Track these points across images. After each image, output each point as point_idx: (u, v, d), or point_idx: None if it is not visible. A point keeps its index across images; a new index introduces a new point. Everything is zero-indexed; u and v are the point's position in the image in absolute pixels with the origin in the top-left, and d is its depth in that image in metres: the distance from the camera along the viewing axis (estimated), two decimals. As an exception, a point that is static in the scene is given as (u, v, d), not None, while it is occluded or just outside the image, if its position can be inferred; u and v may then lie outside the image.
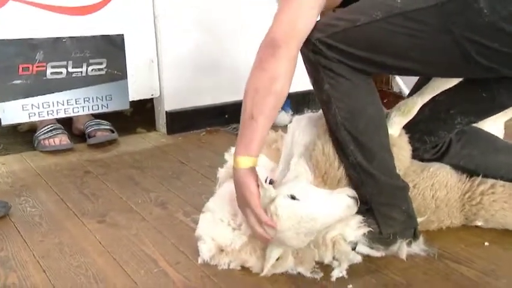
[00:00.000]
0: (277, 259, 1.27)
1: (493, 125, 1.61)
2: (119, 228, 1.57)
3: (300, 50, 1.26)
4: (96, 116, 2.41)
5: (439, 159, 1.49)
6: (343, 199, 1.25)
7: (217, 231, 1.31)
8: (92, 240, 1.50)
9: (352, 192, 1.27)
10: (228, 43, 2.49)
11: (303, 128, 1.45)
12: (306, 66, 1.31)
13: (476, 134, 1.53)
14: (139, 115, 2.68)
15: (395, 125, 1.40)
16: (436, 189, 1.42)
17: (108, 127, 2.39)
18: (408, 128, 1.42)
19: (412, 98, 1.44)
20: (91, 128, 2.36)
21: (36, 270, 1.35)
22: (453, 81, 1.39)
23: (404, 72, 1.44)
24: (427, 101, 1.40)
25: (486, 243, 1.40)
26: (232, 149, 1.37)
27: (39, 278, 1.31)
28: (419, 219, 1.38)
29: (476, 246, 1.39)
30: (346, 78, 1.26)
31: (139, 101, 2.46)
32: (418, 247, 1.35)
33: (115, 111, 2.39)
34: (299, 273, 1.29)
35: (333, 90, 1.27)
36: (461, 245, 1.39)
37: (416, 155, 1.47)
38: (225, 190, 1.43)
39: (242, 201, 1.26)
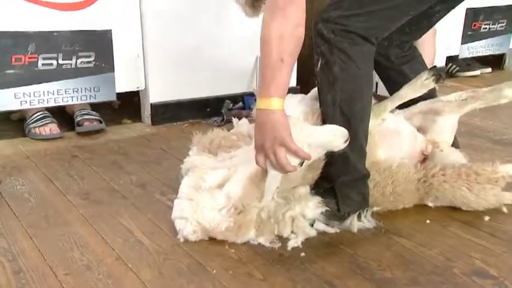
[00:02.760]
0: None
1: (448, 119, 1.76)
2: (101, 204, 1.72)
3: (319, 32, 1.41)
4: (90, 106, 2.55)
5: (403, 64, 1.77)
6: (334, 128, 1.40)
7: (204, 215, 1.43)
8: (75, 214, 1.65)
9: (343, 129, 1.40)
10: (211, 40, 2.64)
11: (295, 105, 1.60)
12: (319, 48, 1.44)
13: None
14: (127, 107, 2.82)
15: None
16: (395, 185, 1.58)
17: (96, 117, 2.52)
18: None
19: (383, 102, 1.64)
20: (80, 117, 2.50)
21: (23, 237, 1.50)
22: (418, 93, 1.63)
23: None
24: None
25: (427, 221, 1.57)
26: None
27: (26, 244, 1.46)
28: (375, 209, 1.55)
29: (418, 223, 1.56)
30: (356, 64, 1.43)
31: (128, 94, 2.61)
32: (367, 220, 1.52)
33: (104, 103, 2.54)
34: (259, 243, 1.45)
35: (342, 73, 1.43)
36: (407, 222, 1.56)
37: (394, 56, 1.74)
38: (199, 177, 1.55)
39: (274, 141, 1.31)
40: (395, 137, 1.63)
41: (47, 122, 2.41)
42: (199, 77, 2.67)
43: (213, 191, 1.47)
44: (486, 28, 3.74)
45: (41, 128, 2.39)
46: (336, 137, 1.37)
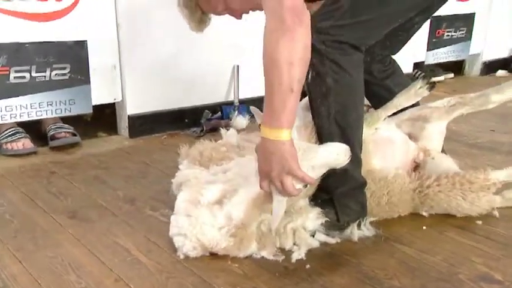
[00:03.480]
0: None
1: (437, 126, 1.79)
2: (91, 222, 1.65)
3: (312, 44, 1.33)
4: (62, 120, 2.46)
5: (385, 78, 1.79)
6: (336, 146, 1.39)
7: (204, 232, 1.39)
8: (64, 234, 1.58)
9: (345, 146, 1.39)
10: (188, 50, 2.61)
11: None
12: (311, 60, 1.37)
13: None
14: (99, 120, 2.74)
15: None
16: (391, 195, 1.59)
17: (70, 130, 2.44)
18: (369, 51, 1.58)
19: (377, 111, 1.65)
20: (53, 131, 2.41)
21: (12, 261, 1.42)
22: (412, 101, 1.65)
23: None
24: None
25: (424, 227, 1.59)
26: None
27: (16, 269, 1.38)
28: (371, 219, 1.56)
29: (415, 230, 1.58)
30: (349, 74, 1.42)
31: (99, 106, 2.53)
32: (366, 228, 1.53)
33: (76, 117, 2.45)
34: (262, 257, 1.42)
35: (335, 84, 1.41)
36: (404, 229, 1.58)
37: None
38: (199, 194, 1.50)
39: (282, 170, 1.28)
40: (388, 145, 1.64)
41: (20, 137, 2.31)
42: (176, 87, 2.63)
43: (212, 207, 1.43)
44: (449, 36, 3.87)
45: (13, 143, 2.29)
46: (339, 155, 1.37)
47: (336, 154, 1.37)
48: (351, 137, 1.47)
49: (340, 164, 1.38)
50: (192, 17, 1.67)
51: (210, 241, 1.40)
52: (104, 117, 2.72)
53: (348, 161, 1.38)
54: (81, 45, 2.35)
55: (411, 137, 1.76)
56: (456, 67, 4.22)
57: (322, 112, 1.46)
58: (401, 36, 1.73)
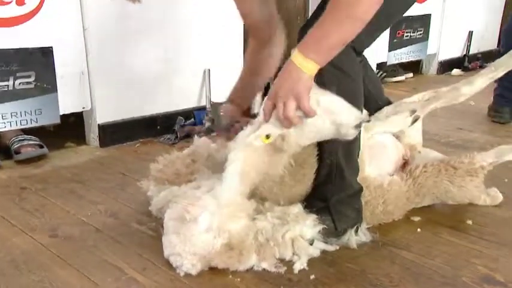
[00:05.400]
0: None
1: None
2: (74, 240, 1.56)
3: None
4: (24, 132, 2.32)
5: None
6: (353, 109, 1.35)
7: (194, 243, 1.34)
8: (48, 254, 1.48)
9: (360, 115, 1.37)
10: (158, 55, 2.53)
11: None
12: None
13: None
14: (64, 129, 2.61)
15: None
16: (386, 204, 1.58)
17: (36, 142, 2.31)
18: None
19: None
20: (17, 144, 2.27)
21: (-5, 289, 1.31)
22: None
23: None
24: None
25: (418, 230, 1.60)
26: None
27: (0, 297, 1.28)
28: (365, 226, 1.54)
29: (410, 233, 1.58)
30: (352, 78, 1.40)
31: (63, 115, 2.40)
32: (363, 234, 1.51)
33: (38, 127, 2.31)
34: (264, 269, 1.38)
35: (339, 91, 1.37)
36: (399, 232, 1.58)
37: None
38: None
39: (290, 91, 1.28)
40: (382, 151, 1.64)
41: (-19, 151, 2.17)
42: (147, 93, 2.54)
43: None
44: (408, 36, 3.96)
45: (-26, 158, 2.14)
46: (349, 111, 1.33)
47: (347, 109, 1.34)
48: (351, 141, 1.44)
49: (346, 125, 1.34)
50: None
51: (205, 247, 1.35)
52: (69, 127, 2.59)
53: (353, 130, 1.34)
54: (47, 51, 2.22)
55: (393, 135, 1.76)
56: (415, 66, 4.33)
57: None
58: None
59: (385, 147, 1.66)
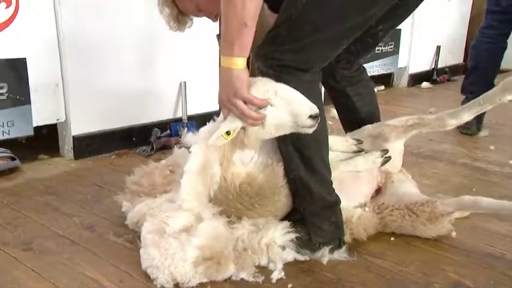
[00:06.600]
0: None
1: (396, 144, 1.77)
2: (50, 254, 1.54)
3: (259, 68, 1.43)
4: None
5: (348, 85, 1.81)
6: (308, 102, 1.39)
7: (175, 266, 1.34)
8: (22, 268, 1.46)
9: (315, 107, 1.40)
10: (134, 67, 2.53)
11: None
12: None
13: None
14: (37, 141, 2.58)
15: None
16: (353, 234, 1.60)
17: (7, 154, 2.27)
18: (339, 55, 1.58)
19: (336, 163, 1.62)
20: (-13, 156, 2.24)
21: (-31, 305, 1.29)
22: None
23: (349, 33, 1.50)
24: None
25: (392, 239, 1.64)
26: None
27: (-26, 312, 1.26)
28: (344, 245, 1.55)
29: (384, 242, 1.63)
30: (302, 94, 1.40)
31: (35, 127, 2.37)
32: (338, 254, 1.51)
33: (10, 139, 2.28)
34: (242, 279, 1.39)
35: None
36: (373, 242, 1.62)
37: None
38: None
39: (229, 93, 1.37)
40: (354, 182, 1.66)
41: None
42: (123, 105, 2.54)
43: (180, 237, 1.38)
44: (379, 50, 4.06)
45: None
46: (304, 102, 1.38)
47: (304, 100, 1.38)
48: (312, 157, 1.46)
49: (302, 119, 1.37)
50: (171, 15, 1.66)
51: (183, 277, 1.35)
52: (42, 138, 2.55)
53: (310, 122, 1.38)
54: (20, 62, 2.20)
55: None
56: (386, 79, 4.43)
57: (280, 136, 1.45)
58: (367, 42, 1.74)
59: (359, 178, 1.67)
